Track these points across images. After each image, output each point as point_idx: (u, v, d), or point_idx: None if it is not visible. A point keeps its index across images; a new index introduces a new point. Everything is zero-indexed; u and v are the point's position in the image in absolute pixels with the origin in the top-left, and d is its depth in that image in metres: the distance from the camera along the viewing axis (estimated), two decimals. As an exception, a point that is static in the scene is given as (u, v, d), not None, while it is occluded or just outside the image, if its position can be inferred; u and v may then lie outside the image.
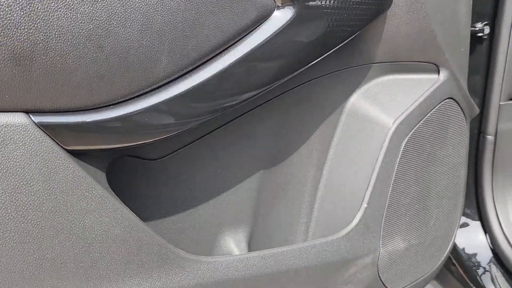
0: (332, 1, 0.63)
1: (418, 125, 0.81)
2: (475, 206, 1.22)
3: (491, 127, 1.15)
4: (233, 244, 0.75)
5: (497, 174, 1.18)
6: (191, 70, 0.54)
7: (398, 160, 0.79)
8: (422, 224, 0.86)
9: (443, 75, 0.84)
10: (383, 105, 0.81)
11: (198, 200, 0.71)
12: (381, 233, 0.78)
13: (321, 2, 0.62)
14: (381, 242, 0.78)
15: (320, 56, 0.66)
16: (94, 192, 0.49)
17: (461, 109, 0.89)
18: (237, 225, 0.76)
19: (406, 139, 0.79)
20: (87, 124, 0.48)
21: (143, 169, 0.66)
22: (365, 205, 0.75)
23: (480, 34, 1.08)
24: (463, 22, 0.87)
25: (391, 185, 0.78)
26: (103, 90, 0.48)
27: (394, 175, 0.78)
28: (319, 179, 0.83)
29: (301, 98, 0.78)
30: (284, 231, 0.83)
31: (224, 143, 0.71)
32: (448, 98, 0.86)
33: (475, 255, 1.19)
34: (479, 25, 1.08)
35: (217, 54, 0.56)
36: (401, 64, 0.83)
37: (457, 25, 0.86)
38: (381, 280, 0.80)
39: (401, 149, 0.79)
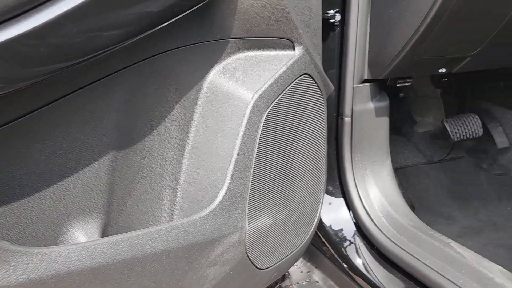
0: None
1: (277, 99, 0.81)
2: (339, 185, 1.29)
3: (347, 109, 1.23)
4: (83, 236, 0.66)
5: (356, 153, 1.26)
6: (7, 20, 0.46)
7: (259, 134, 0.77)
8: (288, 199, 0.86)
9: (298, 51, 0.86)
10: (242, 80, 0.80)
11: (34, 187, 0.61)
12: (247, 209, 0.76)
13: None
14: (247, 219, 0.76)
15: (162, 23, 0.62)
16: None
17: (317, 84, 0.91)
18: (86, 214, 0.67)
19: (266, 113, 0.79)
20: None
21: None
22: (228, 181, 0.72)
23: (332, 21, 1.14)
24: (314, 2, 0.90)
25: (254, 160, 0.77)
26: None
27: (256, 150, 0.77)
28: (181, 159, 0.79)
29: (155, 72, 0.73)
30: (145, 218, 0.76)
31: (62, 120, 0.61)
32: (304, 74, 0.87)
33: (341, 230, 1.25)
34: (331, 12, 1.14)
35: (38, 5, 0.48)
36: (258, 40, 0.83)
37: (308, 3, 0.88)
38: (249, 259, 0.78)
39: (262, 123, 0.78)
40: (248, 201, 0.76)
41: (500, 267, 1.00)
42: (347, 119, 1.23)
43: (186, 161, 0.78)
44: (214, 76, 0.79)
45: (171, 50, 0.73)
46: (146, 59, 0.71)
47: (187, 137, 0.78)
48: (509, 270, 1.02)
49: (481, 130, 1.69)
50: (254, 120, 0.76)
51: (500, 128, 1.78)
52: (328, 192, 1.29)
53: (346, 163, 1.26)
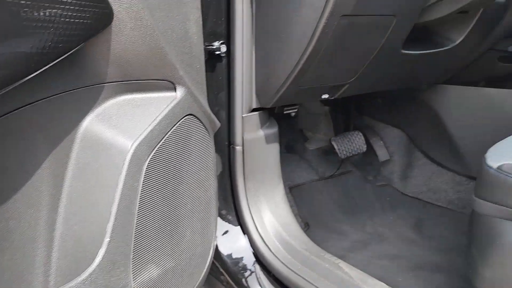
0: (30, 12, 0.54)
1: (159, 144, 0.79)
2: (235, 213, 1.30)
3: (238, 138, 1.24)
4: None
5: (249, 180, 1.28)
6: None
7: (141, 184, 0.74)
8: (177, 244, 0.84)
9: (180, 92, 0.84)
10: (120, 127, 0.76)
11: None
12: (131, 266, 0.72)
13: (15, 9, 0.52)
14: (132, 276, 0.72)
15: (26, 77, 0.56)
16: None
17: (202, 124, 0.91)
18: None
19: (148, 160, 0.76)
20: None
21: None
22: (108, 239, 0.68)
23: (218, 52, 1.15)
24: (195, 40, 0.89)
25: (137, 212, 0.73)
26: None
27: (138, 201, 0.74)
28: (55, 216, 0.72)
29: (17, 127, 0.66)
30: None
31: None
32: (188, 114, 0.86)
33: (241, 259, 1.26)
34: (216, 44, 1.14)
35: None
36: (137, 83, 0.80)
37: (189, 43, 0.87)
38: (136, 316, 0.74)
39: (143, 172, 0.75)
40: (132, 257, 0.72)
41: (383, 283, 1.08)
42: (238, 148, 1.25)
43: (62, 218, 0.72)
44: (89, 124, 0.74)
45: (37, 101, 0.67)
46: (6, 114, 0.64)
47: (61, 191, 0.72)
48: (391, 284, 1.11)
49: (365, 146, 1.82)
50: (135, 170, 0.73)
51: (381, 142, 1.94)
52: (226, 220, 1.30)
53: (240, 191, 1.27)
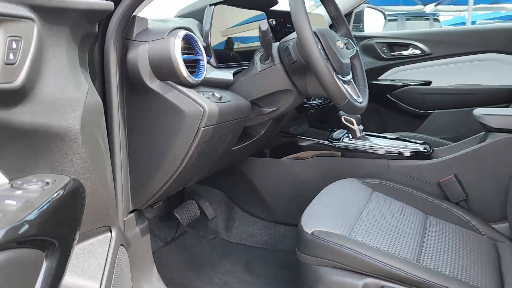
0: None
1: (113, 278, 1.03)
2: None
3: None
4: None
5: (133, 273, 1.52)
6: None
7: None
8: None
9: (114, 232, 1.09)
10: (85, 273, 0.97)
11: None
12: None
13: None
14: None
15: None
16: None
17: (125, 248, 1.17)
18: None
19: (111, 295, 1.00)
20: None
21: None
22: None
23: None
24: (109, 182, 1.15)
25: None
26: None
27: None
28: None
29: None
30: None
31: None
32: (120, 245, 1.11)
33: None
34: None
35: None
36: (86, 233, 1.02)
37: (109, 189, 1.12)
38: None
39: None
40: None
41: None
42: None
43: None
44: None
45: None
46: None
47: None
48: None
49: (198, 212, 2.24)
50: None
51: (207, 203, 2.39)
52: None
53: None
